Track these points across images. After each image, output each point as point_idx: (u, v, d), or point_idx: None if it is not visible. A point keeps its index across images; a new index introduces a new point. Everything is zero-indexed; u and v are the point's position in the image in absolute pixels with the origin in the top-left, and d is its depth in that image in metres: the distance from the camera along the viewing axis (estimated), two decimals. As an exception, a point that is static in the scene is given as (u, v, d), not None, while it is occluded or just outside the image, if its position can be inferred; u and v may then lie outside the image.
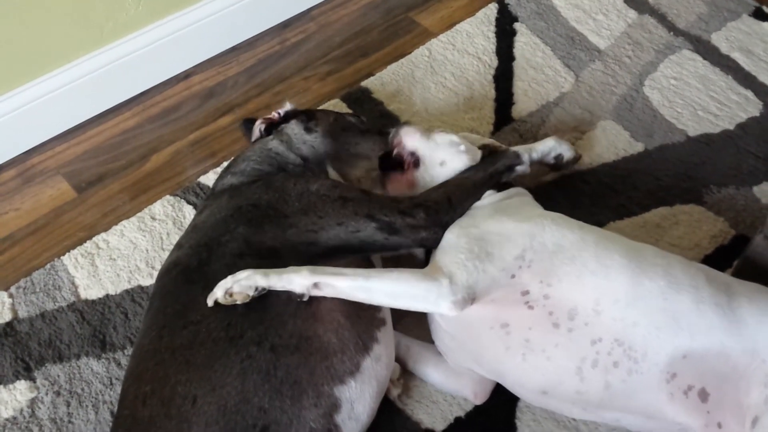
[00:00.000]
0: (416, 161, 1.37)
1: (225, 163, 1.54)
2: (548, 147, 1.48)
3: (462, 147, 1.36)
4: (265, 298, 1.12)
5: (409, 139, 1.38)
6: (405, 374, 1.34)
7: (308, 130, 1.39)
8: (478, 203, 1.30)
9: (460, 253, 1.17)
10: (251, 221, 1.19)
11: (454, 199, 1.26)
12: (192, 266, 1.18)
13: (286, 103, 1.49)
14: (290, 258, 1.16)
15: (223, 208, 1.23)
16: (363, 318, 1.17)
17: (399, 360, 1.33)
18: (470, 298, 1.15)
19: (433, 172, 1.36)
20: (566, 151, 1.51)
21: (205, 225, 1.23)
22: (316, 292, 1.13)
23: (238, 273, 1.12)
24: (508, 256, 1.18)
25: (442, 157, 1.36)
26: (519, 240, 1.19)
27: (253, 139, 1.46)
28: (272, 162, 1.34)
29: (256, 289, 1.11)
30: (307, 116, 1.43)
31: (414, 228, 1.19)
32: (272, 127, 1.43)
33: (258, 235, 1.17)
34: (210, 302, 1.12)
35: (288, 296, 1.13)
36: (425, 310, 1.22)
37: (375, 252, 1.21)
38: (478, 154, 1.37)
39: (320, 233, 1.18)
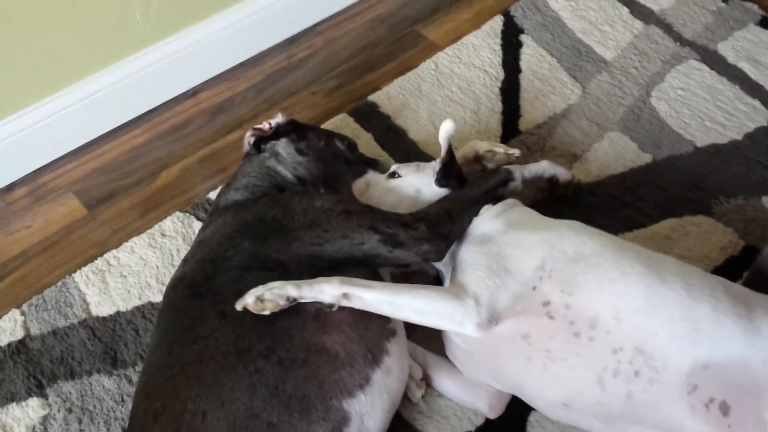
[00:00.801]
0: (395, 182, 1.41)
1: (234, 180, 1.54)
2: (542, 168, 1.50)
3: (427, 179, 1.40)
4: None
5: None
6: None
7: (300, 151, 1.40)
8: (479, 218, 1.30)
9: (479, 270, 1.18)
10: (256, 235, 1.20)
11: (453, 213, 1.27)
12: (198, 281, 1.18)
13: (279, 114, 1.48)
14: (296, 271, 1.16)
15: (228, 224, 1.24)
16: (372, 329, 1.17)
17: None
18: (495, 318, 1.15)
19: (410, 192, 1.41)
20: (561, 174, 1.53)
21: (211, 240, 1.24)
22: (345, 303, 1.14)
23: (270, 282, 1.12)
24: (528, 268, 1.18)
25: (416, 186, 1.40)
26: (538, 251, 1.19)
27: (244, 150, 1.46)
28: (272, 180, 1.35)
29: (288, 299, 1.12)
30: (297, 135, 1.43)
31: (417, 240, 1.20)
32: (261, 141, 1.43)
33: (263, 248, 1.18)
34: (239, 307, 1.12)
35: (295, 309, 1.13)
36: (450, 330, 1.20)
37: (379, 266, 1.21)
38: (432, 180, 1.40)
39: (325, 246, 1.18)
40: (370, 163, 1.48)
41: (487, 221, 1.28)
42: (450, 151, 1.36)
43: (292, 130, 1.45)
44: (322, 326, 1.13)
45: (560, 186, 1.54)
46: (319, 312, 1.14)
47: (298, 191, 1.33)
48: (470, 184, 1.37)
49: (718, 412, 1.09)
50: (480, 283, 1.16)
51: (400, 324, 1.23)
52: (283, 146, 1.41)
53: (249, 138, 1.45)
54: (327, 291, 1.13)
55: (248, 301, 1.11)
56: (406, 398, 1.31)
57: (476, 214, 1.31)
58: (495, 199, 1.34)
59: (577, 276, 1.16)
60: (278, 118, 1.47)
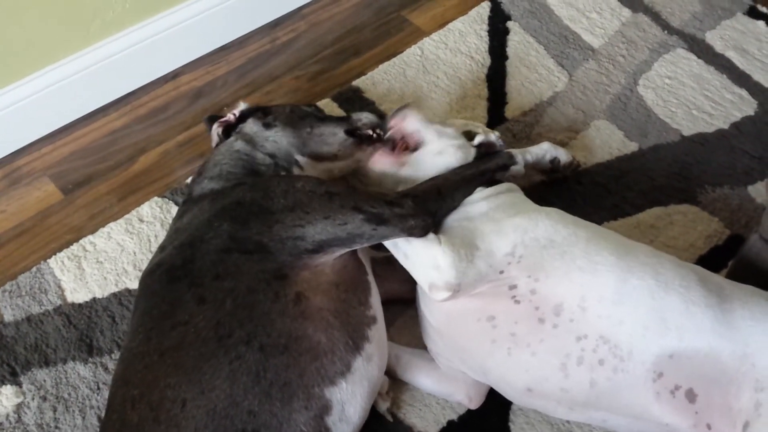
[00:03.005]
0: (416, 144, 1.35)
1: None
2: (543, 150, 1.48)
3: (458, 142, 1.34)
4: (254, 294, 1.11)
5: (412, 121, 1.36)
6: (395, 386, 1.33)
7: (267, 125, 1.38)
8: (470, 198, 1.29)
9: (455, 238, 1.18)
10: (236, 218, 1.17)
11: (443, 190, 1.25)
12: (176, 265, 1.16)
13: (240, 102, 1.46)
14: (278, 252, 1.14)
15: (206, 210, 1.22)
16: (353, 316, 1.16)
17: (389, 370, 1.31)
18: (455, 287, 1.15)
19: (427, 159, 1.33)
20: (562, 155, 1.51)
21: (189, 226, 1.21)
22: None
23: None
24: (499, 252, 1.17)
25: (440, 147, 1.34)
26: (511, 235, 1.18)
27: (213, 143, 1.45)
28: (245, 164, 1.33)
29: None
30: (263, 112, 1.42)
31: (402, 217, 1.18)
32: (230, 129, 1.42)
33: (243, 231, 1.16)
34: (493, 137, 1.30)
35: (275, 293, 1.11)
36: (419, 279, 1.20)
37: (364, 243, 1.20)
38: (471, 154, 1.35)
39: (307, 227, 1.16)
40: (341, 118, 1.44)
41: (475, 202, 1.27)
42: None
43: (256, 110, 1.43)
44: (303, 312, 1.12)
45: (561, 168, 1.52)
46: (299, 296, 1.12)
47: (276, 174, 1.30)
48: (468, 164, 1.33)
49: (684, 399, 1.10)
50: (454, 252, 1.16)
51: (379, 311, 1.22)
52: (250, 126, 1.39)
53: (217, 129, 1.43)
54: None
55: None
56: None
57: (470, 193, 1.29)
58: (491, 183, 1.32)
59: (545, 263, 1.16)
60: (241, 106, 1.45)
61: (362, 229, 1.17)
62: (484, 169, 1.33)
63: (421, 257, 1.17)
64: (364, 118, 1.42)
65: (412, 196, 1.21)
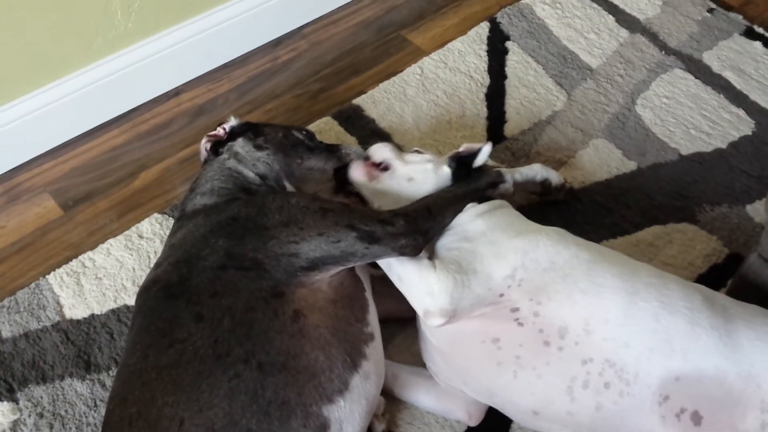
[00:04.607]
0: (385, 167, 1.38)
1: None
2: (534, 171, 1.49)
3: (430, 166, 1.37)
4: (252, 312, 1.10)
5: (379, 152, 1.40)
6: (393, 404, 1.32)
7: (258, 147, 1.39)
8: (465, 216, 1.29)
9: (451, 263, 1.18)
10: (231, 234, 1.17)
11: (433, 209, 1.26)
12: (173, 282, 1.16)
13: (231, 118, 1.46)
14: (273, 269, 1.14)
15: (201, 225, 1.22)
16: (350, 333, 1.15)
17: (386, 389, 1.30)
18: (450, 312, 1.15)
19: (400, 184, 1.36)
20: (554, 177, 1.52)
21: (184, 243, 1.21)
22: None
23: None
24: (498, 275, 1.17)
25: (410, 173, 1.37)
26: (511, 258, 1.18)
27: (201, 158, 1.45)
28: (236, 182, 1.33)
29: None
30: (254, 133, 1.42)
31: (394, 236, 1.18)
32: (218, 145, 1.41)
33: (239, 247, 1.16)
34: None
35: (274, 311, 1.11)
36: (413, 304, 1.20)
37: (358, 262, 1.20)
38: (444, 176, 1.37)
39: (302, 244, 1.16)
40: (331, 149, 1.46)
41: (470, 220, 1.27)
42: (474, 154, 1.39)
43: (247, 129, 1.43)
44: (301, 330, 1.11)
45: (553, 190, 1.53)
46: (297, 313, 1.12)
47: (270, 191, 1.30)
48: (460, 183, 1.35)
49: (689, 422, 1.08)
50: (450, 276, 1.16)
51: (377, 328, 1.22)
52: (240, 145, 1.39)
53: (205, 144, 1.43)
54: None
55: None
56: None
57: (459, 211, 1.29)
58: (482, 200, 1.32)
59: (548, 286, 1.15)
60: (231, 122, 1.45)
61: (355, 248, 1.17)
62: (474, 188, 1.34)
63: (415, 282, 1.17)
64: (353, 153, 1.45)
65: (404, 215, 1.22)
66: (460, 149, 1.40)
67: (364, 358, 1.15)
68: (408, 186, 1.36)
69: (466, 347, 1.19)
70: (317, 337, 1.11)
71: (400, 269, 1.19)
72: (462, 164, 1.37)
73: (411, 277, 1.18)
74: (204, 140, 1.44)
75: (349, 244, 1.17)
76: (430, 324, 1.17)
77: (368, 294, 1.24)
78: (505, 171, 1.42)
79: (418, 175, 1.36)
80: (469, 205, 1.30)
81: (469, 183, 1.34)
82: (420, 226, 1.21)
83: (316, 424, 1.07)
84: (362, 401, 1.13)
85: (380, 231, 1.18)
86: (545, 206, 1.56)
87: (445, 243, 1.25)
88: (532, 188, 1.51)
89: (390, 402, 1.32)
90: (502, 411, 1.24)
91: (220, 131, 1.43)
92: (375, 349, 1.19)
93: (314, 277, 1.16)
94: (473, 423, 1.29)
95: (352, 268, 1.22)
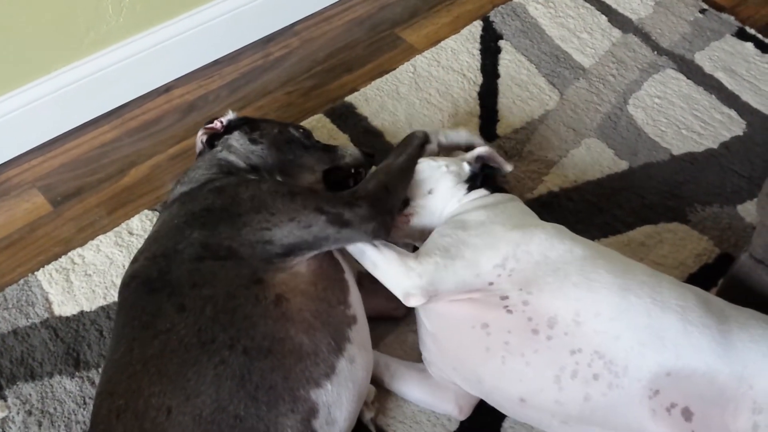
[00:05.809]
0: (409, 211, 1.35)
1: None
2: (460, 136, 1.51)
3: (443, 168, 1.37)
4: (234, 299, 1.11)
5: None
6: (381, 397, 1.32)
7: (253, 141, 1.39)
8: (470, 202, 1.31)
9: (438, 249, 1.20)
10: (205, 225, 1.18)
11: (389, 186, 1.28)
12: (153, 277, 1.16)
13: (229, 111, 1.46)
14: (249, 257, 1.15)
15: (175, 216, 1.22)
16: (333, 316, 1.16)
17: (377, 379, 1.31)
18: (432, 294, 1.17)
19: (426, 206, 1.35)
20: (478, 144, 1.50)
21: (159, 235, 1.22)
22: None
23: None
24: (487, 264, 1.18)
25: (428, 186, 1.36)
26: (502, 248, 1.19)
27: (197, 150, 1.45)
28: (222, 168, 1.33)
29: None
30: (250, 127, 1.42)
31: (363, 219, 1.20)
32: (214, 138, 1.42)
33: (214, 237, 1.16)
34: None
35: (255, 297, 1.11)
36: (390, 288, 1.22)
37: (332, 246, 1.21)
38: (465, 167, 1.38)
39: (274, 230, 1.17)
40: (327, 148, 1.47)
41: (474, 209, 1.28)
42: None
43: (243, 123, 1.43)
44: (285, 313, 1.12)
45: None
46: (279, 297, 1.12)
47: (245, 178, 1.30)
48: (393, 153, 1.39)
49: (680, 417, 1.09)
50: (431, 260, 1.18)
51: (360, 311, 1.22)
52: (236, 138, 1.40)
53: (201, 137, 1.43)
54: None
55: None
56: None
57: (410, 179, 1.34)
58: (495, 188, 1.35)
59: (539, 278, 1.17)
60: (229, 115, 1.45)
61: (327, 232, 1.18)
62: (411, 153, 1.39)
63: (393, 265, 1.20)
64: (348, 156, 1.46)
65: (366, 197, 1.23)
66: (483, 153, 1.41)
67: (348, 341, 1.16)
68: (432, 203, 1.35)
69: (457, 331, 1.20)
70: (301, 321, 1.12)
71: (375, 255, 1.22)
72: (484, 167, 1.41)
73: (387, 261, 1.20)
74: (200, 132, 1.44)
75: (320, 228, 1.18)
76: (410, 304, 1.19)
77: (348, 276, 1.24)
78: (431, 132, 1.46)
79: (435, 184, 1.36)
80: (477, 194, 1.32)
81: (403, 150, 1.38)
82: (384, 206, 1.24)
83: (304, 408, 1.08)
84: (349, 385, 1.14)
85: (348, 213, 1.20)
86: (537, 205, 1.57)
87: (442, 229, 1.26)
88: (457, 150, 1.53)
89: (382, 397, 1.32)
90: (490, 400, 1.25)
91: (217, 124, 1.44)
92: (359, 332, 1.19)
93: (291, 262, 1.17)
94: (462, 416, 1.30)
95: (330, 252, 1.23)
